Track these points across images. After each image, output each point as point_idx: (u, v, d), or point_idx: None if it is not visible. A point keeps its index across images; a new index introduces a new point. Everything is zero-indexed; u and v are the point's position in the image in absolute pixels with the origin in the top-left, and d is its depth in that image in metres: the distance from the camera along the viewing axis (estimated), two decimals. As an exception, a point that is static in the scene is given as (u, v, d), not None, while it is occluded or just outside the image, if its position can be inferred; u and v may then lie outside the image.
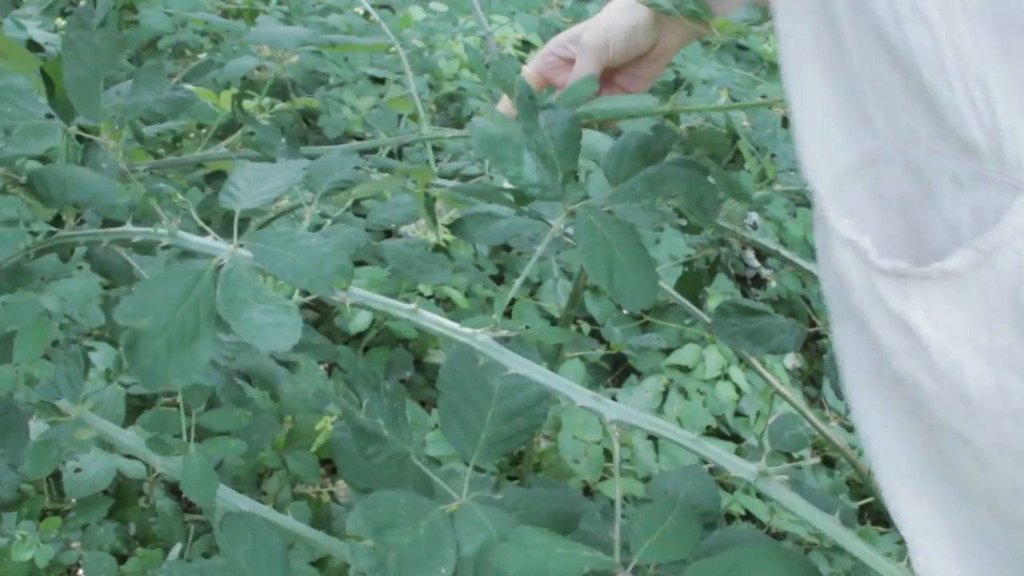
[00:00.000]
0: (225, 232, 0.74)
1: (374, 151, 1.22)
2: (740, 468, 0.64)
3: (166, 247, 0.76)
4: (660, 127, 0.86)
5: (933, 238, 0.53)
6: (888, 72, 0.51)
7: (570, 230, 0.99)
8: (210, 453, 0.81)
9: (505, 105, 0.88)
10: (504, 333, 0.69)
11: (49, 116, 0.85)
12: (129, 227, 0.80)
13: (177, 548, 1.26)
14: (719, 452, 0.65)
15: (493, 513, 0.73)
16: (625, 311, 1.91)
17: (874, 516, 1.65)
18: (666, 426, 0.65)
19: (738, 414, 1.86)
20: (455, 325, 0.69)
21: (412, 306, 0.70)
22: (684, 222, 0.93)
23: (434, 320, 0.69)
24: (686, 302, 0.99)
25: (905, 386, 0.54)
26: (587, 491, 1.60)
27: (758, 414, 1.84)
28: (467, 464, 0.78)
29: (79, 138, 0.90)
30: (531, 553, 0.64)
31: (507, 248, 1.89)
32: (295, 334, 0.64)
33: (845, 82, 0.53)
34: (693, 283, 1.08)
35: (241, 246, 0.69)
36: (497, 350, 0.68)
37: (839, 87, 0.54)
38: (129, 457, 1.36)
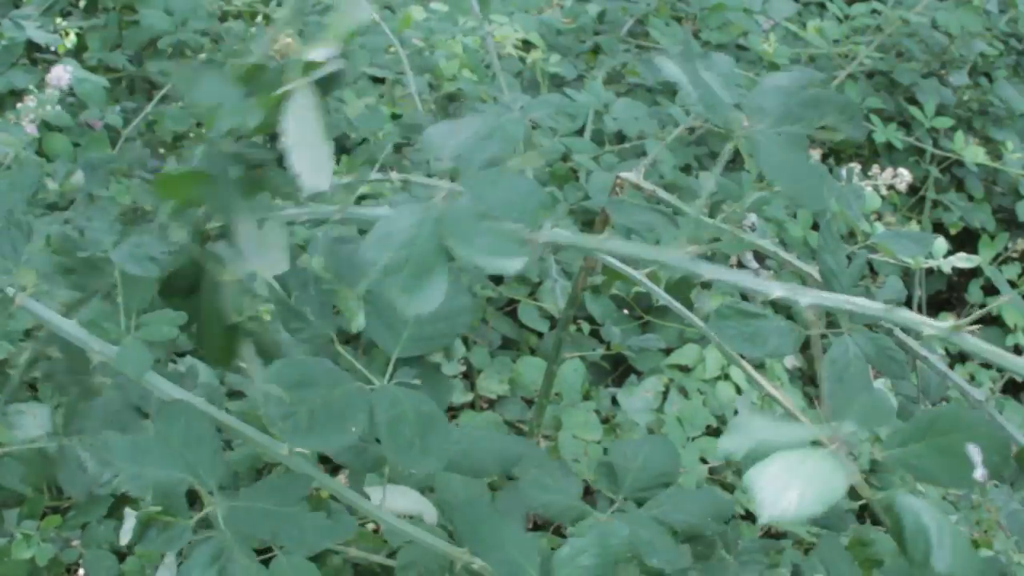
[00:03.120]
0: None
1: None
2: (932, 326, 0.68)
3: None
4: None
5: None
6: None
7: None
8: (145, 338, 0.85)
9: None
10: (695, 250, 0.76)
11: None
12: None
13: (177, 548, 1.26)
14: (910, 316, 0.70)
15: (411, 395, 0.78)
16: (625, 311, 1.91)
17: (875, 516, 1.65)
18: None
19: (738, 413, 1.86)
20: (650, 247, 0.78)
21: (604, 235, 0.79)
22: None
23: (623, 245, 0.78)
24: (678, 305, 0.98)
25: None
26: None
27: (758, 414, 1.84)
28: (390, 357, 0.83)
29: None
30: None
31: (507, 248, 1.89)
32: (522, 258, 0.68)
33: None
34: (686, 286, 1.08)
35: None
36: (694, 263, 0.76)
37: None
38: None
